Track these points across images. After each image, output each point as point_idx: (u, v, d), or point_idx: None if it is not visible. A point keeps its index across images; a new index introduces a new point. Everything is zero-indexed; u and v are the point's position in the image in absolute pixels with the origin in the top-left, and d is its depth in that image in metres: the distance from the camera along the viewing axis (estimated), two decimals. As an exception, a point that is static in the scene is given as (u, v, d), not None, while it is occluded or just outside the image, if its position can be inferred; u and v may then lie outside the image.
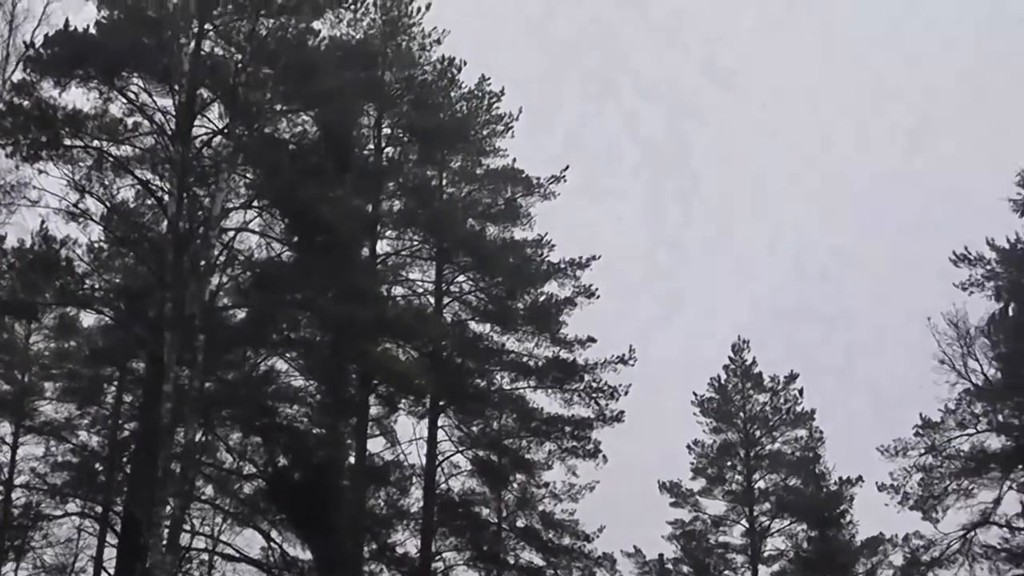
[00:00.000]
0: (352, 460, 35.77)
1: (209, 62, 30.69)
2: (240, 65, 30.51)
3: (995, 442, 42.27)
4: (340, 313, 30.14)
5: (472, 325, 42.22)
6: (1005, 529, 41.60)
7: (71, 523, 35.82)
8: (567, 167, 42.72)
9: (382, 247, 40.01)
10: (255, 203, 31.49)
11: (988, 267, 43.36)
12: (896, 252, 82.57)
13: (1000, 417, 42.41)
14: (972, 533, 41.98)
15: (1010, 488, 41.48)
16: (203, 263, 29.32)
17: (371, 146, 39.36)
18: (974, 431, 42.43)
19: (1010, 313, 42.38)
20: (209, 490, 32.90)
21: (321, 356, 32.46)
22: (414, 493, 39.65)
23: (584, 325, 42.39)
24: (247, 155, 30.58)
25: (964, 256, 43.39)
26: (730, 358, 53.48)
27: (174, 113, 29.97)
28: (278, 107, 31.51)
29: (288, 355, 32.40)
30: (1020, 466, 41.41)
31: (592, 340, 42.05)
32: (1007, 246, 43.15)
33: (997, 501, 41.62)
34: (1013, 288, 42.68)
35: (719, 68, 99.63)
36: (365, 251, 37.82)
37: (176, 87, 29.85)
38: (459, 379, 40.08)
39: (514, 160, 42.48)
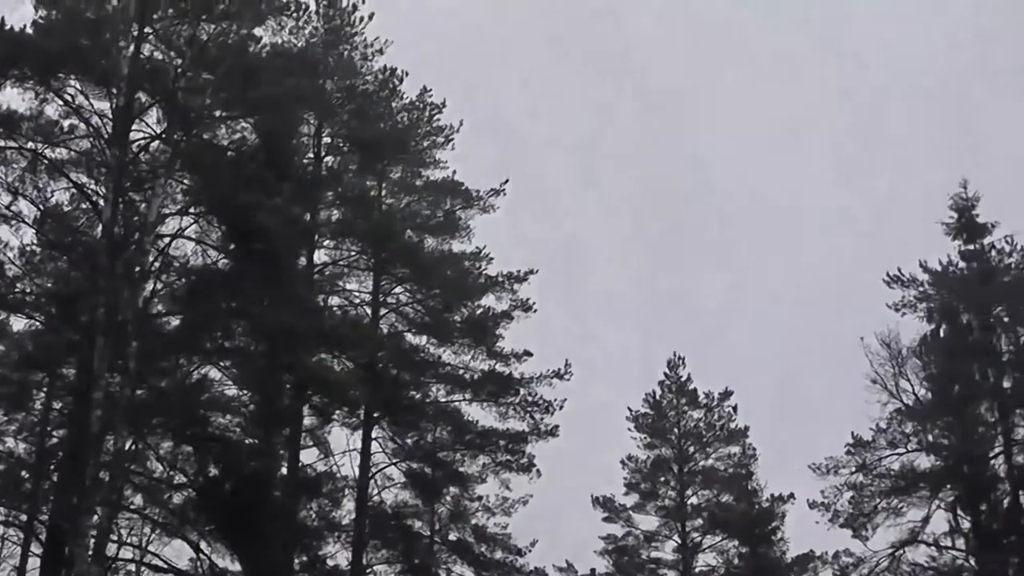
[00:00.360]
0: (284, 471, 35.42)
1: (148, 66, 30.41)
2: (180, 70, 30.28)
3: (925, 462, 42.85)
4: (276, 322, 29.88)
5: (408, 337, 42.04)
6: (933, 548, 42.02)
7: (-6, 532, 35.16)
8: (507, 180, 42.76)
9: (319, 257, 39.82)
10: (192, 209, 31.25)
11: (921, 289, 44.02)
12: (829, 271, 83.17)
13: (930, 437, 42.98)
14: (901, 551, 42.36)
15: (938, 507, 41.98)
16: (137, 269, 29.01)
17: (311, 155, 39.13)
18: (904, 450, 42.94)
19: (941, 334, 43.05)
20: (138, 499, 32.33)
21: (255, 365, 32.17)
22: (346, 505, 39.41)
23: (521, 339, 42.43)
24: (185, 161, 30.28)
25: (897, 278, 44.00)
26: (665, 374, 53.66)
27: (111, 116, 29.69)
28: (217, 113, 31.30)
29: (222, 364, 32.05)
30: (948, 486, 41.93)
31: (528, 354, 42.07)
32: (939, 268, 43.80)
33: (926, 520, 42.08)
34: (945, 310, 43.36)
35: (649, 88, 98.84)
36: (302, 260, 37.56)
37: (114, 90, 29.54)
38: (394, 391, 39.84)
39: (454, 172, 42.51)
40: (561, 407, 41.40)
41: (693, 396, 53.19)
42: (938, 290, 43.90)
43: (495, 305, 42.18)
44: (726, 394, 52.84)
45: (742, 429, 52.27)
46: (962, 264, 43.92)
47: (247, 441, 31.76)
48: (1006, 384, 42.37)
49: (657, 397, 53.49)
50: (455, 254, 42.35)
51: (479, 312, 42.00)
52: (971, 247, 43.76)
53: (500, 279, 42.04)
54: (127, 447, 28.68)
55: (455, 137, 42.23)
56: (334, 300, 40.37)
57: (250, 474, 30.14)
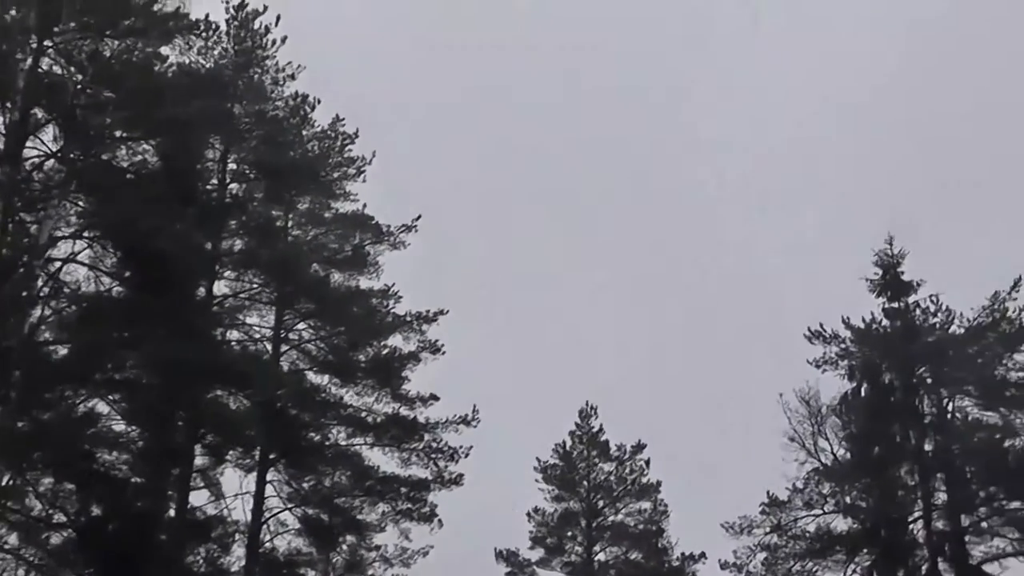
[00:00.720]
0: (172, 513, 34.98)
1: (46, 80, 30.15)
2: (80, 86, 30.05)
3: (842, 524, 43.27)
4: (171, 355, 29.68)
5: (310, 376, 41.74)
6: (849, 612, 42.48)
7: None
8: (419, 216, 42.84)
9: (220, 288, 39.41)
10: (86, 233, 30.96)
11: (842, 345, 44.61)
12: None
13: (847, 499, 43.42)
14: (815, 616, 42.81)
15: (855, 572, 42.47)
16: (25, 294, 28.63)
17: (215, 181, 38.85)
18: (821, 512, 43.33)
19: (862, 393, 43.55)
20: (13, 539, 31.85)
21: (147, 400, 31.87)
22: (236, 551, 38.84)
23: (427, 382, 42.42)
24: (81, 181, 30.08)
25: (819, 333, 44.54)
26: (576, 424, 53.88)
27: (4, 132, 29.37)
28: (118, 133, 31.13)
29: (111, 397, 31.73)
30: (865, 550, 42.41)
31: (435, 398, 42.06)
32: (862, 325, 44.45)
33: (842, 584, 42.55)
34: (866, 368, 43.89)
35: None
36: (201, 291, 37.32)
37: (8, 104, 29.24)
38: (293, 432, 39.58)
39: (364, 205, 42.43)
40: (467, 455, 41.43)
41: (604, 448, 53.46)
42: (860, 348, 44.53)
43: (402, 346, 42.19)
44: (638, 447, 53.19)
45: (654, 484, 52.64)
46: (886, 322, 44.56)
47: (134, 480, 31.40)
48: (927, 447, 42.98)
49: (567, 448, 53.69)
50: (362, 291, 42.26)
51: (385, 352, 41.92)
52: (895, 305, 44.43)
53: (408, 319, 42.01)
54: (4, 482, 28.22)
55: (367, 169, 42.27)
56: (233, 334, 39.88)
57: (136, 515, 29.85)
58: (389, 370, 41.79)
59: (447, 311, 42.55)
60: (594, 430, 53.78)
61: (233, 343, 39.42)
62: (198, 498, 37.28)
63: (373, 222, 42.37)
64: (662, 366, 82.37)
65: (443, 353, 42.33)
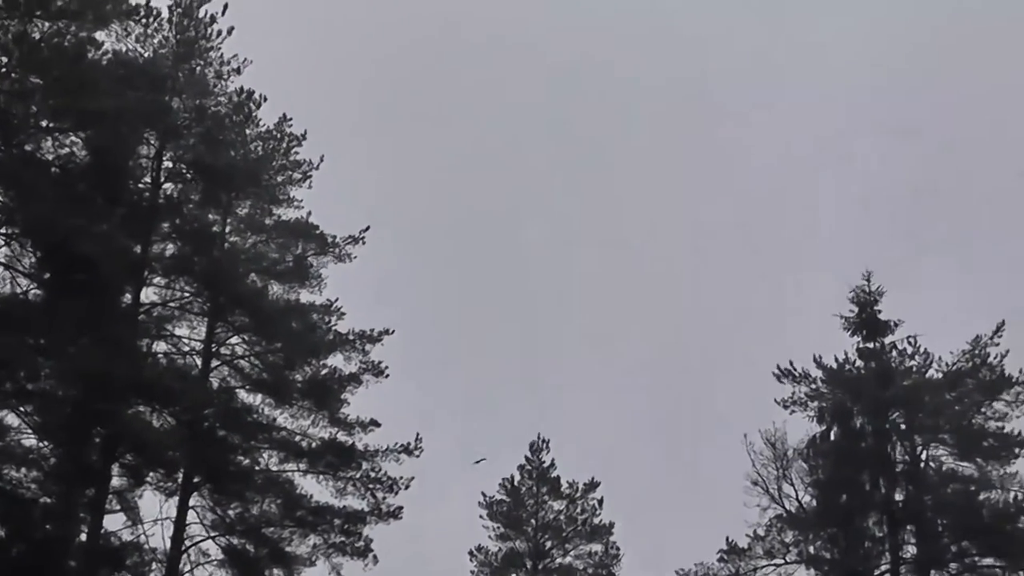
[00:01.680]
0: (84, 537, 34.40)
1: (-33, 62, 29.63)
2: (4, 70, 29.48)
3: (803, 575, 43.15)
4: (90, 366, 29.20)
5: (241, 394, 41.16)
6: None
7: None
8: (367, 227, 42.46)
9: (147, 295, 38.74)
10: (3, 229, 30.40)
11: (813, 386, 44.57)
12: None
13: (811, 549, 43.36)
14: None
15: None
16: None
17: (148, 180, 38.23)
18: (783, 561, 43.35)
19: (831, 437, 43.46)
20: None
21: (61, 413, 31.34)
22: (152, 581, 38.37)
23: (368, 406, 41.96)
24: (1, 174, 29.46)
25: (788, 372, 44.48)
26: (527, 458, 53.52)
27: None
28: (44, 123, 30.54)
29: (22, 409, 31.19)
30: (827, 604, 42.34)
31: (375, 424, 41.66)
32: (835, 365, 44.36)
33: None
34: (837, 410, 43.84)
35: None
36: (127, 298, 36.67)
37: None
38: (219, 454, 38.98)
39: (309, 213, 42.04)
40: (407, 486, 41.05)
41: (555, 485, 53.15)
42: (831, 389, 44.47)
43: (343, 366, 41.79)
44: (591, 485, 52.87)
45: (607, 525, 52.32)
46: (860, 363, 44.52)
47: (43, 500, 30.80)
48: (898, 497, 43.06)
49: (515, 483, 53.31)
50: (303, 305, 41.82)
51: (324, 373, 41.53)
52: (871, 345, 44.41)
53: (351, 337, 41.64)
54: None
55: (313, 174, 41.82)
56: (160, 346, 39.38)
57: (43, 539, 29.33)
58: (327, 392, 41.34)
59: (392, 331, 42.30)
60: (545, 465, 53.47)
61: (159, 355, 38.89)
62: (113, 522, 36.76)
63: (318, 231, 41.97)
64: (621, 399, 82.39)
65: (387, 376, 42.08)
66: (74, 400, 31.25)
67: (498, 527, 52.89)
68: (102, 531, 35.69)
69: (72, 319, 29.38)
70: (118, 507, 36.99)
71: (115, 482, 36.22)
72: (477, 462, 50.05)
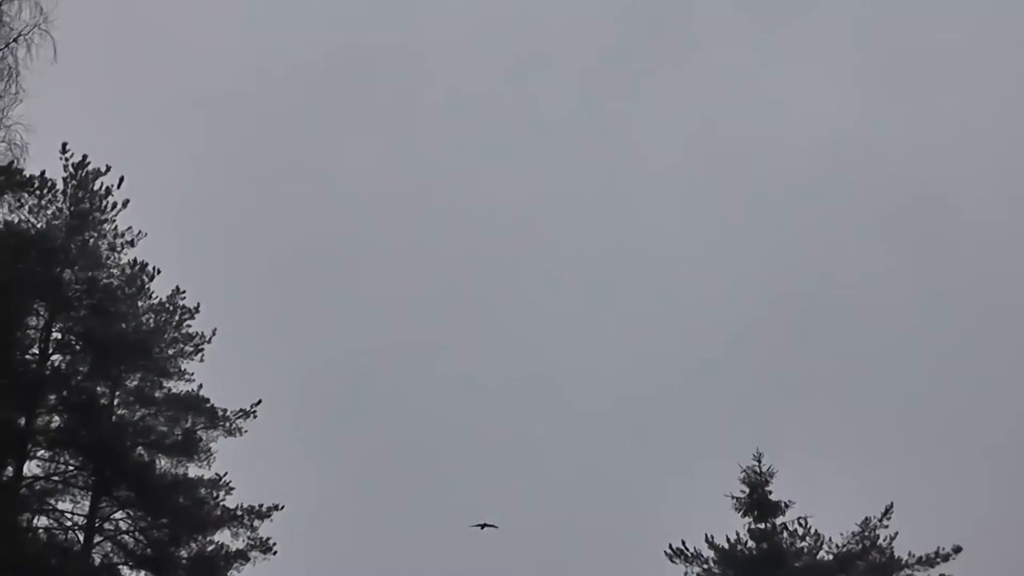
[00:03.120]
0: None
1: None
2: None
3: None
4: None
5: (124, 571, 40.71)
6: None
7: None
8: (259, 401, 42.63)
9: (30, 468, 38.55)
10: None
11: (705, 566, 44.64)
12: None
13: None
14: None
15: None
16: None
17: (35, 350, 38.32)
18: None
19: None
20: None
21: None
22: None
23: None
24: None
25: (680, 551, 44.58)
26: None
27: None
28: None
29: None
30: None
31: (267, 606, 41.33)
32: (726, 545, 44.63)
33: None
34: (730, 592, 43.97)
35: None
36: (9, 471, 36.42)
37: None
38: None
39: (200, 386, 42.13)
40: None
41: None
42: (723, 569, 44.62)
43: (230, 543, 41.50)
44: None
45: None
46: (751, 543, 44.78)
47: None
48: None
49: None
50: (190, 479, 41.66)
51: (210, 549, 41.14)
52: (762, 526, 44.73)
53: (239, 512, 41.46)
54: None
55: (205, 347, 42.05)
56: (41, 521, 39.01)
57: None
58: (213, 569, 40.94)
59: (282, 506, 42.15)
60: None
61: (40, 531, 38.46)
62: None
63: (208, 405, 42.01)
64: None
65: (275, 553, 41.76)
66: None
67: None
68: None
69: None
70: None
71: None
72: (483, 527, 49.76)
